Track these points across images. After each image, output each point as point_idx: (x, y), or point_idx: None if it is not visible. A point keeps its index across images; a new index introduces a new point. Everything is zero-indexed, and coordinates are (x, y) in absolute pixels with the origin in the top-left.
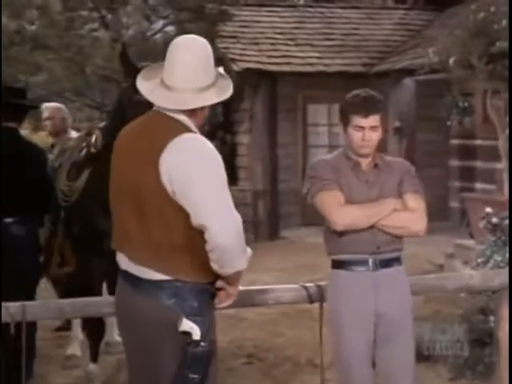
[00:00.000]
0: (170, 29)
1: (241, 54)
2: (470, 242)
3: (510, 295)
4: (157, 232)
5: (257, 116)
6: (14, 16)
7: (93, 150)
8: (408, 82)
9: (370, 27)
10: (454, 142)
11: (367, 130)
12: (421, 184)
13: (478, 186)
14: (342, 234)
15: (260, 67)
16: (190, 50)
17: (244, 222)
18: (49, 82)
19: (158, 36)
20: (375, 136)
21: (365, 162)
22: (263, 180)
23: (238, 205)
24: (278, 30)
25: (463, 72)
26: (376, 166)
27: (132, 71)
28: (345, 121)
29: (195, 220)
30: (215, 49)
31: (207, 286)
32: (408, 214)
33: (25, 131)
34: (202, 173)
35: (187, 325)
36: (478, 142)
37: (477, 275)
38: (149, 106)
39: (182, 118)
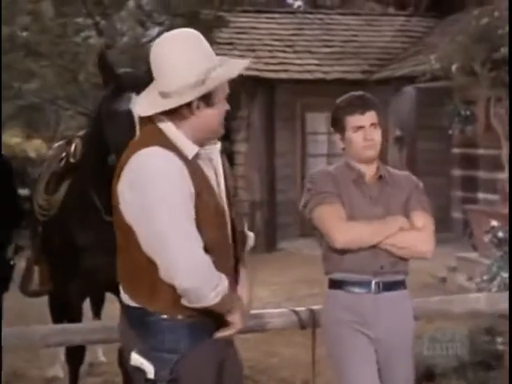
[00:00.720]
0: None
1: None
2: (473, 255)
3: (510, 309)
4: (121, 254)
5: (254, 124)
6: (5, 22)
7: (72, 159)
8: (409, 89)
9: (369, 34)
10: (456, 151)
11: (368, 128)
12: (428, 201)
13: (481, 196)
14: (342, 252)
15: (257, 74)
16: (168, 47)
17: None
18: (42, 90)
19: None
20: (377, 135)
21: (369, 173)
22: (260, 190)
23: None
24: (276, 37)
25: (466, 79)
26: (381, 178)
27: (111, 78)
28: (341, 126)
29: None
30: None
31: (189, 317)
32: (415, 234)
33: (17, 139)
34: (145, 204)
35: (137, 360)
36: (481, 151)
37: (483, 298)
38: (128, 116)
39: (166, 125)
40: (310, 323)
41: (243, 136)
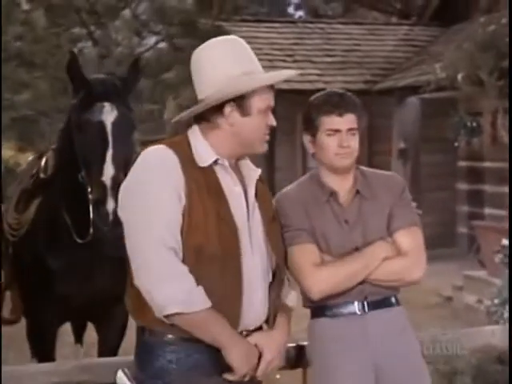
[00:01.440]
0: (164, 45)
1: None
2: (481, 273)
3: (510, 320)
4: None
5: None
6: None
7: (42, 175)
8: (413, 100)
9: (372, 43)
10: (462, 164)
11: (344, 133)
12: (415, 209)
13: (487, 211)
14: None
15: None
16: (202, 54)
17: None
18: (34, 101)
19: (150, 53)
20: (354, 142)
21: (343, 189)
22: None
23: None
24: (276, 46)
25: (472, 88)
26: (358, 193)
27: (81, 84)
28: (313, 127)
29: None
30: None
31: (182, 339)
32: (402, 262)
33: (11, 152)
34: (128, 193)
35: (121, 380)
36: (487, 164)
37: (498, 332)
38: (100, 128)
39: (193, 132)
40: (299, 362)
41: None
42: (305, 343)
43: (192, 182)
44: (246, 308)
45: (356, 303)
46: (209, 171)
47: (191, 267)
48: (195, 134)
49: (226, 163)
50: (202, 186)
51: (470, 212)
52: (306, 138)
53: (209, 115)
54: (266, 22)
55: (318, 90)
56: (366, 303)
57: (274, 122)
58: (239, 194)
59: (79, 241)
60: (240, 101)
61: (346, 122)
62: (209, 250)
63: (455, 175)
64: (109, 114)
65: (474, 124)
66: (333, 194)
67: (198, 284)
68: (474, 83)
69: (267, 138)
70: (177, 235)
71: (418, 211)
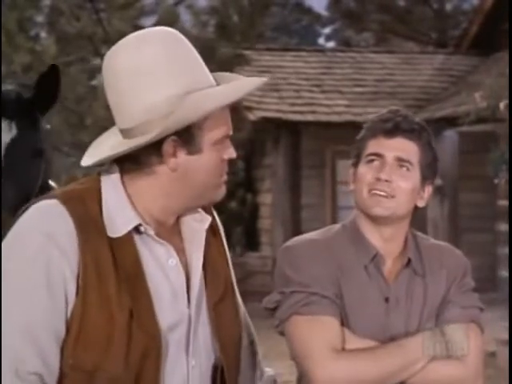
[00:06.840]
0: None
1: (258, 102)
2: None
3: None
4: None
5: (277, 173)
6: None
7: None
8: (450, 134)
9: (406, 73)
10: (503, 203)
11: (389, 162)
12: (477, 301)
13: None
14: None
15: (280, 116)
16: (123, 59)
17: (263, 292)
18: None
19: None
20: (402, 180)
21: (389, 255)
22: None
23: (257, 273)
24: (303, 76)
25: None
26: (408, 264)
27: None
28: (357, 156)
29: None
30: None
31: None
32: (461, 368)
33: None
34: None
35: None
36: None
37: None
38: (29, 153)
39: (107, 176)
40: None
41: (268, 186)
42: None
43: (92, 262)
44: None
45: None
46: (124, 243)
47: None
48: (112, 182)
49: (151, 232)
50: (109, 269)
51: None
52: (350, 172)
53: (139, 156)
54: (293, 51)
55: (348, 123)
56: None
57: (233, 154)
58: (173, 270)
59: None
60: (186, 133)
61: (396, 147)
62: (109, 371)
63: (495, 215)
64: (3, 134)
65: None
66: (376, 258)
67: None
68: None
69: (225, 178)
70: (48, 352)
71: (480, 305)
